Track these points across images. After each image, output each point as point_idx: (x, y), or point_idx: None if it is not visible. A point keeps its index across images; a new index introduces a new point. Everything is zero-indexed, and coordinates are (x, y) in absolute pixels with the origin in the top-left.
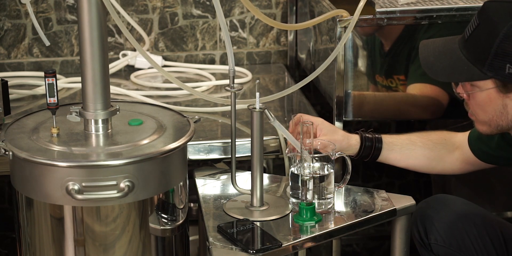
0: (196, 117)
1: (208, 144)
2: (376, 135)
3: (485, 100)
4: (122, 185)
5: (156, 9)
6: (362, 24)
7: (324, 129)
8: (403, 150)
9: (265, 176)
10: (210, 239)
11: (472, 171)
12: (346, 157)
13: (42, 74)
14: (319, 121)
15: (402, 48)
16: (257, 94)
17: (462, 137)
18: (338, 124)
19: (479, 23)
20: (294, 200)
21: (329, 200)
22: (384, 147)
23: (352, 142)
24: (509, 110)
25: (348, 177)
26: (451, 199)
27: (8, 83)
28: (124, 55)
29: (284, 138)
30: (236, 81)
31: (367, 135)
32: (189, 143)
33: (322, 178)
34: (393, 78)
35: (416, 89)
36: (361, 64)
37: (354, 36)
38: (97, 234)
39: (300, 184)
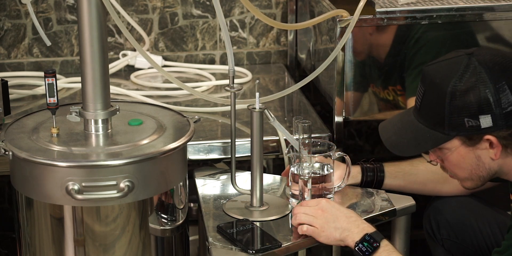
0: (196, 117)
1: (208, 144)
2: (377, 165)
3: (458, 159)
4: (122, 185)
5: (156, 9)
6: (362, 24)
7: None
8: (406, 176)
9: (265, 176)
10: (210, 239)
11: (481, 190)
12: (346, 157)
13: (42, 74)
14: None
15: (404, 49)
16: (257, 94)
17: None
18: (338, 124)
19: (425, 90)
20: (293, 200)
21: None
22: (386, 176)
23: (354, 175)
24: (484, 159)
25: (348, 177)
26: (465, 196)
27: (8, 83)
28: (124, 55)
29: (284, 138)
30: (236, 81)
31: (368, 165)
32: (189, 143)
33: (322, 178)
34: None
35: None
36: (361, 64)
37: (354, 36)
38: (97, 234)
39: (299, 184)
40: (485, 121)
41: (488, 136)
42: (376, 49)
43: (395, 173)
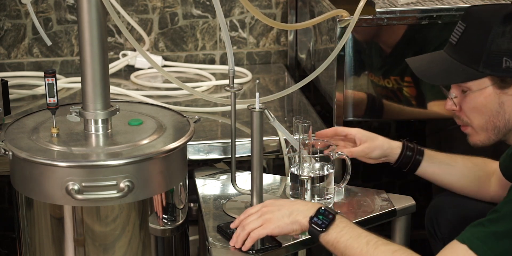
0: (196, 117)
1: (208, 144)
2: (418, 147)
3: (481, 101)
4: (122, 185)
5: (156, 9)
6: (362, 24)
7: (363, 138)
8: (442, 165)
9: (265, 176)
10: (210, 239)
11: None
12: (346, 157)
13: (42, 74)
14: (355, 131)
15: (404, 49)
16: (257, 94)
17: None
18: (338, 124)
19: (466, 26)
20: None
21: (329, 200)
22: (424, 159)
23: (394, 146)
24: (506, 108)
25: (348, 177)
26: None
27: (8, 83)
28: (124, 55)
29: (284, 138)
30: (236, 81)
31: (409, 144)
32: (189, 143)
33: (322, 178)
34: (389, 78)
35: (436, 106)
36: (361, 64)
37: (354, 36)
38: (97, 234)
39: (299, 184)
40: None
41: None
42: (378, 49)
43: (433, 159)
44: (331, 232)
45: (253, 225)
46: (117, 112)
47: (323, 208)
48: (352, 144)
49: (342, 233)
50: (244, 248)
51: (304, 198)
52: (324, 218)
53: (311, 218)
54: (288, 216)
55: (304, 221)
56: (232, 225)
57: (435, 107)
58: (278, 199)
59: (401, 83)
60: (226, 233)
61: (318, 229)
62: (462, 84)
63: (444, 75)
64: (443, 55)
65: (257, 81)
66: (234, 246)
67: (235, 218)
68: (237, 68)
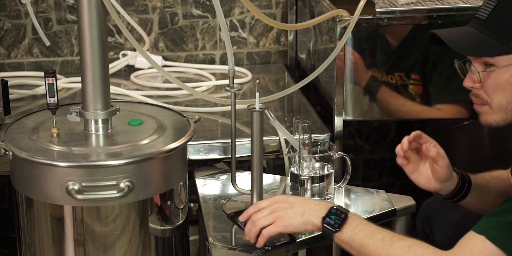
0: (196, 117)
1: (208, 144)
2: (467, 176)
3: (507, 78)
4: (122, 185)
5: (156, 9)
6: (362, 24)
7: (444, 161)
8: (480, 191)
9: (265, 176)
10: (210, 239)
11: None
12: (346, 157)
13: (42, 74)
14: (437, 150)
15: (405, 49)
16: (257, 94)
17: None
18: (338, 124)
19: (498, 2)
20: None
21: (329, 200)
22: (471, 190)
23: (454, 175)
24: None
25: (348, 177)
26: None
27: (8, 83)
28: (124, 55)
29: (284, 138)
30: (236, 81)
31: (463, 175)
32: (189, 143)
33: (322, 178)
34: (393, 74)
35: (442, 110)
36: (361, 64)
37: (354, 36)
38: (97, 234)
39: (299, 184)
40: None
41: None
42: (378, 49)
43: (474, 186)
44: (344, 231)
45: (265, 221)
46: (117, 112)
47: (334, 207)
48: (426, 159)
49: (356, 232)
50: (258, 245)
51: None
52: (336, 218)
53: (323, 218)
54: (300, 215)
55: (317, 221)
56: (241, 218)
57: (442, 112)
58: (289, 196)
59: (403, 81)
60: (237, 223)
61: (332, 229)
62: (488, 60)
63: (476, 47)
64: (471, 30)
65: (257, 81)
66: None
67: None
68: (237, 68)
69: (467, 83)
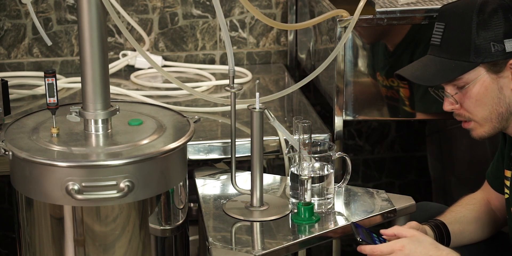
0: (196, 117)
1: (208, 144)
2: (440, 223)
3: (481, 91)
4: (122, 185)
5: (156, 9)
6: (362, 24)
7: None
8: (463, 226)
9: (265, 176)
10: (210, 239)
11: None
12: (346, 157)
13: (42, 74)
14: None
15: (404, 49)
16: (257, 94)
17: (482, 193)
18: (338, 124)
19: (445, 24)
20: (294, 200)
21: (329, 200)
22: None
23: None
24: (505, 92)
25: (348, 177)
26: (433, 206)
27: (8, 83)
28: (124, 55)
29: (284, 138)
30: (236, 81)
31: (436, 224)
32: (189, 143)
33: (322, 178)
34: (390, 78)
35: (421, 116)
36: (361, 64)
37: (354, 36)
38: (97, 234)
39: (299, 184)
40: (510, 45)
41: None
42: (378, 49)
43: (452, 225)
44: None
45: None
46: (117, 112)
47: None
48: None
49: None
50: None
51: (304, 198)
52: None
53: None
54: None
55: None
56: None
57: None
58: (412, 243)
59: (400, 83)
60: (358, 234)
61: None
62: (457, 81)
63: (440, 74)
64: (431, 58)
65: (257, 81)
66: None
67: (235, 218)
68: (237, 68)
69: (446, 107)
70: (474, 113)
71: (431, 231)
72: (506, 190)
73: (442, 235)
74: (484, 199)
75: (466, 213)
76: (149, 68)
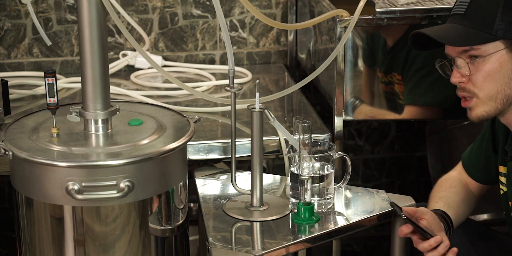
0: (196, 117)
1: (208, 144)
2: (439, 211)
3: (495, 66)
4: (122, 185)
5: (156, 9)
6: (362, 24)
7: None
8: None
9: (265, 176)
10: (210, 239)
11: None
12: (346, 157)
13: (42, 74)
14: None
15: (403, 48)
16: (257, 94)
17: (457, 174)
18: (338, 124)
19: None
20: (294, 200)
21: (329, 200)
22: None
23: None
24: None
25: (348, 177)
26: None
27: (8, 83)
28: (124, 55)
29: (284, 138)
30: (236, 81)
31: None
32: (189, 143)
33: (322, 178)
34: (392, 74)
35: (411, 112)
36: (361, 64)
37: (354, 36)
38: (97, 234)
39: (299, 184)
40: None
41: None
42: (378, 49)
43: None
44: None
45: None
46: (117, 112)
47: None
48: None
49: None
50: None
51: (304, 198)
52: None
53: None
54: None
55: None
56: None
57: (410, 113)
58: None
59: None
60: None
61: None
62: (473, 52)
63: (462, 38)
64: (453, 25)
65: (257, 81)
66: (232, 246)
67: (235, 218)
68: (237, 68)
69: (455, 78)
70: (482, 88)
71: (441, 223)
72: (502, 187)
73: (448, 225)
74: (461, 180)
75: (454, 197)
76: (149, 68)
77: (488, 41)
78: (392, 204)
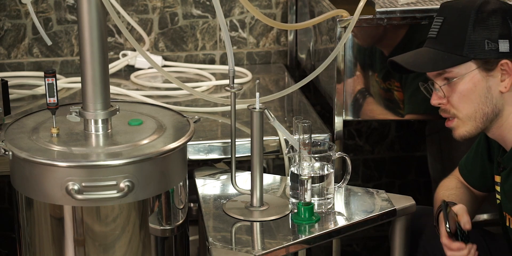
0: (196, 117)
1: (208, 144)
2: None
3: (469, 87)
4: (122, 185)
5: (156, 9)
6: (362, 24)
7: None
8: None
9: (265, 176)
10: (210, 239)
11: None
12: (346, 157)
13: (42, 74)
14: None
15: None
16: (257, 94)
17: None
18: (338, 124)
19: (444, 18)
20: (294, 200)
21: (329, 200)
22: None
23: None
24: (493, 92)
25: (348, 177)
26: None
27: (8, 83)
28: (124, 55)
29: (284, 138)
30: (236, 81)
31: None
32: (189, 143)
33: (322, 178)
34: (390, 80)
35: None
36: (361, 64)
37: (354, 36)
38: (97, 234)
39: (299, 184)
40: (503, 45)
41: (504, 60)
42: (378, 49)
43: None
44: None
45: None
46: (117, 112)
47: None
48: None
49: None
50: None
51: (304, 198)
52: None
53: None
54: None
55: None
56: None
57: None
58: None
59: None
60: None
61: None
62: (447, 74)
63: (432, 62)
64: (426, 49)
65: (257, 81)
66: (232, 246)
67: (235, 218)
68: (237, 68)
69: (434, 100)
70: (459, 108)
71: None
72: (498, 196)
73: None
74: (464, 183)
75: (462, 196)
76: (149, 68)
77: (459, 62)
78: (443, 203)
